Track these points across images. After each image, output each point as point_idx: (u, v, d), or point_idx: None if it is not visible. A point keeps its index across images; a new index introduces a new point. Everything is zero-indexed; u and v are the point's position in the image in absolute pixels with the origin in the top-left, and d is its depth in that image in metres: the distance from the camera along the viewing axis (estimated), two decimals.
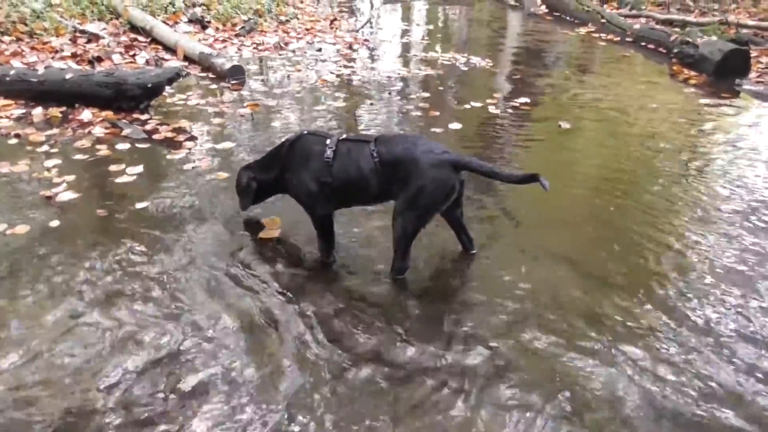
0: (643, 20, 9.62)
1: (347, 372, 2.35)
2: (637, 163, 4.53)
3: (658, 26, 9.01)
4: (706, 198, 3.90)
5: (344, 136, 3.04)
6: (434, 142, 2.94)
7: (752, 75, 6.92)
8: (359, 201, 3.09)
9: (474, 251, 3.18)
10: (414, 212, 2.80)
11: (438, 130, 4.97)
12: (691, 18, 9.51)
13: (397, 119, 5.39)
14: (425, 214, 2.83)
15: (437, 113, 5.40)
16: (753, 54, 7.30)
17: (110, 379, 2.28)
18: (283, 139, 3.20)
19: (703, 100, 6.20)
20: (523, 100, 5.87)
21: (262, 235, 3.27)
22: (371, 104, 5.70)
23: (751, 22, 9.08)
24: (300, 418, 2.14)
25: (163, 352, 2.42)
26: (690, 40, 7.47)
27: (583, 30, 9.54)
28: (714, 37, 7.53)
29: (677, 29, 8.57)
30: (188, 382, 2.28)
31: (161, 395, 2.22)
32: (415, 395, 2.25)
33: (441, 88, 6.37)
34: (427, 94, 6.03)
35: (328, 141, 2.93)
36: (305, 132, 3.10)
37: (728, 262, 3.14)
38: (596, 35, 9.18)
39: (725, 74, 6.83)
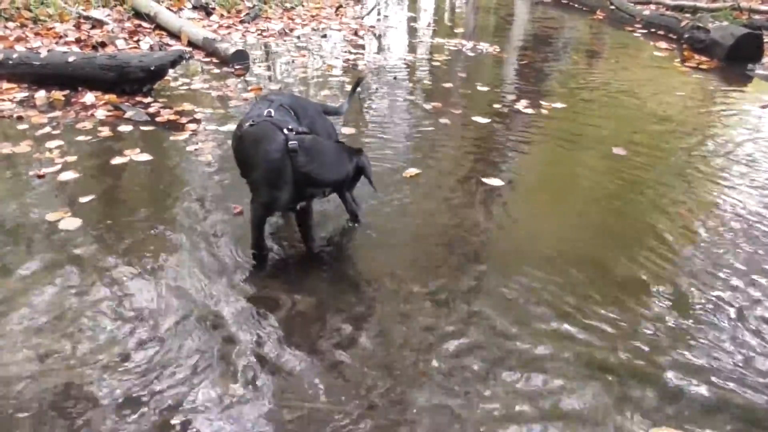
0: (653, 7, 9.44)
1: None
2: (647, 145, 4.44)
3: (668, 12, 8.84)
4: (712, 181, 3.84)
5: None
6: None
7: (765, 60, 6.79)
8: None
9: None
10: None
11: (446, 121, 4.88)
12: (702, 4, 9.34)
13: (403, 107, 5.25)
14: None
15: (444, 101, 5.32)
16: (766, 39, 7.16)
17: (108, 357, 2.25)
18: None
19: (714, 85, 6.09)
20: (531, 85, 5.78)
21: None
22: (376, 90, 5.63)
23: (764, 8, 8.91)
24: None
25: (157, 328, 2.40)
26: (701, 25, 7.33)
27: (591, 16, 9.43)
28: (725, 23, 7.39)
29: (688, 15, 8.42)
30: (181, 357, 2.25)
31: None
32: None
33: (447, 74, 6.28)
34: (432, 82, 5.96)
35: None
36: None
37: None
38: (605, 21, 9.06)
39: (737, 59, 6.72)
